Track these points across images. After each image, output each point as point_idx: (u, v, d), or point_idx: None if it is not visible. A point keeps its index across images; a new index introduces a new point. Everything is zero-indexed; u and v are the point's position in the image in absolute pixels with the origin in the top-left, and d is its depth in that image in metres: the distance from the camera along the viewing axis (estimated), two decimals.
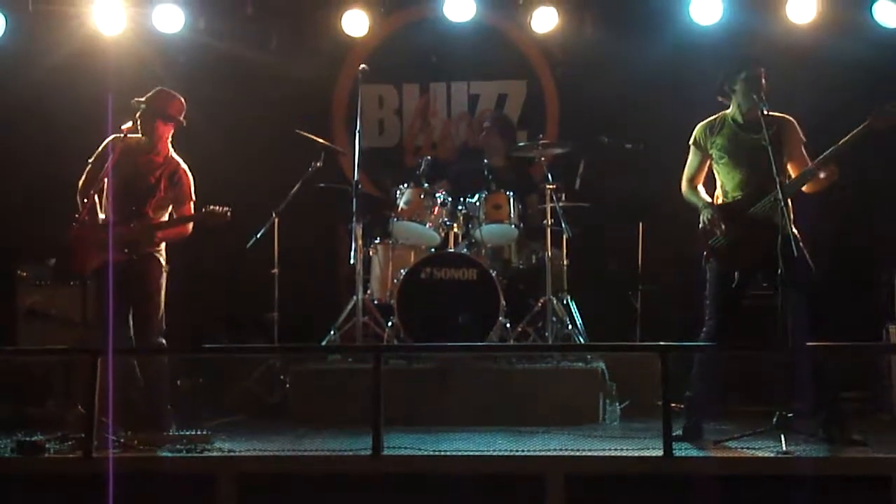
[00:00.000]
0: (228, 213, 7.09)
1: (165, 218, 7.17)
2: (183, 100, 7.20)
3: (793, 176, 6.71)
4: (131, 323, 7.06)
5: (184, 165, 7.22)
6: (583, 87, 9.66)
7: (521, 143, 9.06)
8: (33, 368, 8.04)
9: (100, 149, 7.11)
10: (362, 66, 8.59)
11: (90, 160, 7.13)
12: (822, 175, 6.58)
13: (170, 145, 7.22)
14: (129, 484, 6.12)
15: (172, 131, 7.20)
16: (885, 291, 8.36)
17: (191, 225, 7.23)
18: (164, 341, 7.10)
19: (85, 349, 6.74)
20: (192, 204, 7.22)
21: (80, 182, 7.12)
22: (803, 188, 6.70)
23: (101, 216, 7.05)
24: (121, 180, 7.03)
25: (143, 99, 7.06)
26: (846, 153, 6.50)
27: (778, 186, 6.40)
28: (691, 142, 6.98)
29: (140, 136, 7.10)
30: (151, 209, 7.06)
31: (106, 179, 6.99)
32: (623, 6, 9.24)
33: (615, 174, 9.06)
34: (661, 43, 9.04)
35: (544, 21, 9.23)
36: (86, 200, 6.93)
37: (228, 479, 6.21)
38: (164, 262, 7.16)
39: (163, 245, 7.18)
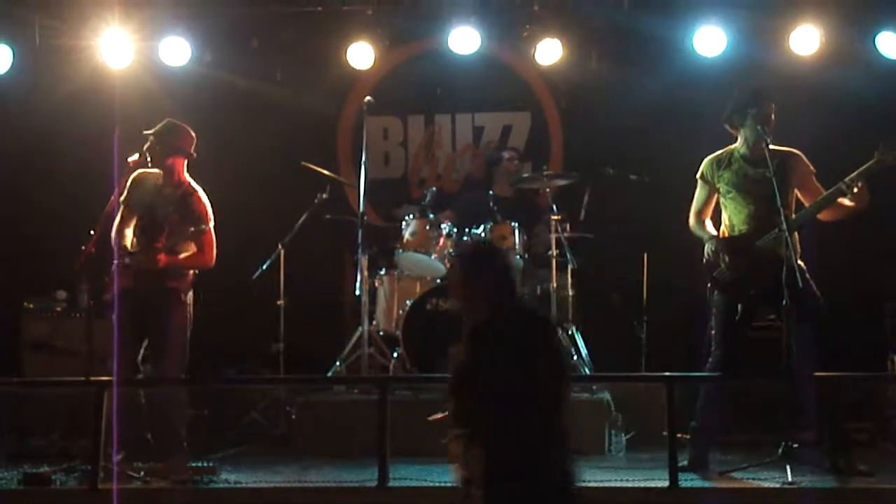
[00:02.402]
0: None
1: (187, 250, 6.98)
2: (193, 133, 7.12)
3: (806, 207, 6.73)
4: (149, 357, 7.01)
5: (199, 191, 7.07)
6: (587, 118, 9.69)
7: (526, 174, 9.09)
8: (39, 400, 8.04)
9: (129, 187, 7.04)
10: (367, 98, 8.63)
11: (122, 198, 7.04)
12: (844, 202, 6.57)
13: (186, 174, 7.11)
14: None
15: (186, 162, 7.12)
16: (890, 322, 8.37)
17: (209, 255, 7.02)
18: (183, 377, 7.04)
19: (91, 381, 6.75)
20: (210, 226, 7.01)
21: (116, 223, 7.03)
22: (819, 216, 6.70)
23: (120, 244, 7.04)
24: (139, 215, 7.01)
25: (152, 131, 7.00)
26: (867, 178, 6.51)
27: (782, 219, 6.41)
28: (698, 176, 6.96)
29: (154, 170, 7.05)
30: (164, 238, 6.88)
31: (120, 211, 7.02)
32: (627, 38, 9.25)
33: (620, 205, 9.08)
34: (665, 74, 9.08)
35: (549, 53, 9.25)
36: (92, 233, 6.97)
37: None
38: (185, 299, 7.00)
39: (187, 278, 7.03)
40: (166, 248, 6.86)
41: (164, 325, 6.92)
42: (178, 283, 6.99)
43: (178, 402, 7.06)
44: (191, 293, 7.07)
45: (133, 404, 6.82)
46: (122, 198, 7.03)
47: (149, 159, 7.00)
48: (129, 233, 7.00)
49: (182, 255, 6.95)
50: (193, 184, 7.11)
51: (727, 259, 6.70)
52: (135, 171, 7.03)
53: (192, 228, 6.90)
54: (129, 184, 7.05)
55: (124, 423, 6.56)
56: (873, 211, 6.73)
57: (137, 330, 6.93)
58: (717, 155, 6.93)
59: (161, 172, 7.04)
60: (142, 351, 6.98)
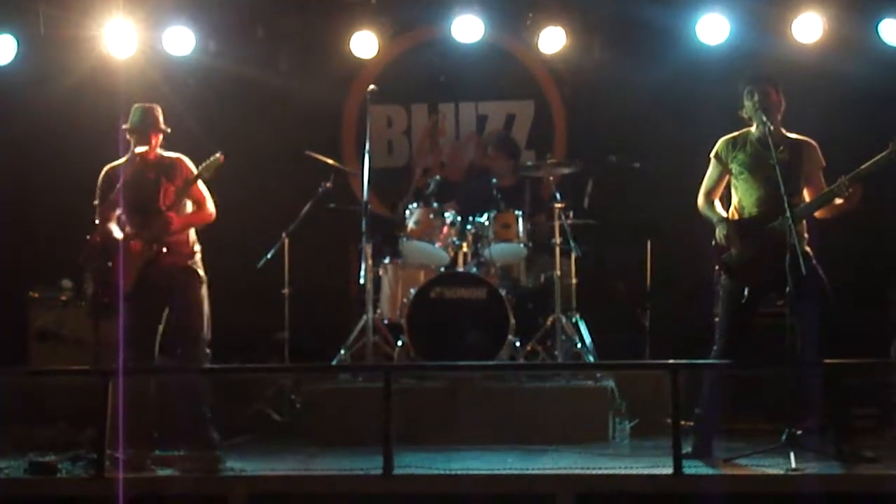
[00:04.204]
0: (220, 157, 6.95)
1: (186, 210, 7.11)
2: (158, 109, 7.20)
3: (807, 199, 6.72)
4: (176, 336, 7.04)
5: (176, 154, 7.17)
6: (590, 106, 9.68)
7: (529, 163, 9.10)
8: (45, 389, 8.06)
9: (100, 185, 7.12)
10: (371, 86, 8.64)
11: (96, 202, 7.12)
12: (837, 201, 6.59)
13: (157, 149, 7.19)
14: None
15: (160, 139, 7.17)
16: (895, 308, 8.37)
17: (210, 208, 7.14)
18: (208, 351, 7.04)
19: (96, 370, 6.77)
20: (199, 184, 7.13)
21: (98, 221, 7.11)
22: (816, 214, 6.71)
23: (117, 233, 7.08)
24: (128, 199, 7.05)
25: (128, 125, 7.09)
26: (865, 179, 6.51)
27: (786, 205, 6.41)
28: (712, 155, 6.93)
29: (120, 160, 7.13)
30: (163, 205, 6.98)
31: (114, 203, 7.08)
32: (630, 26, 9.25)
33: (623, 193, 9.10)
34: (668, 62, 9.08)
35: (552, 41, 9.26)
36: (97, 222, 7.02)
37: (239, 499, 6.24)
38: (202, 274, 7.09)
39: (198, 256, 7.12)
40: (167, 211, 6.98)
41: (187, 303, 6.98)
42: (194, 262, 7.09)
43: (190, 386, 7.00)
44: (202, 268, 7.14)
45: (143, 393, 6.86)
46: (95, 201, 7.10)
47: (133, 146, 7.09)
48: (113, 226, 7.07)
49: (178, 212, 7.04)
50: (166, 153, 7.17)
51: (737, 242, 6.69)
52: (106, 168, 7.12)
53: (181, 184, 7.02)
54: (100, 183, 7.11)
55: (133, 413, 6.60)
56: (879, 198, 6.73)
57: (156, 317, 6.98)
58: (734, 135, 6.90)
59: (127, 158, 7.10)
60: (158, 338, 7.03)
